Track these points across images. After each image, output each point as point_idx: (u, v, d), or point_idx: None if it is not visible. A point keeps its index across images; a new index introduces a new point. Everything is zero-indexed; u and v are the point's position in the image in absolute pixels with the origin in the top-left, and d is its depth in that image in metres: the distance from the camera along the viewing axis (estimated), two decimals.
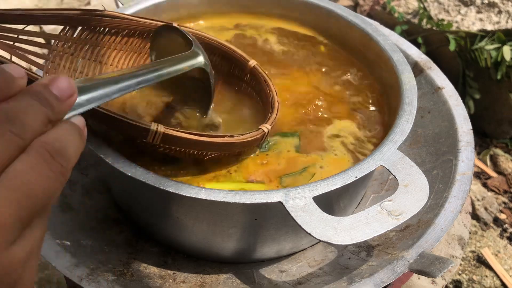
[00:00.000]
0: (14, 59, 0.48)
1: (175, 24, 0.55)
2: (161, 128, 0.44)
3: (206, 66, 0.51)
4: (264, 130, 0.51)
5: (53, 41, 0.52)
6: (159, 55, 0.56)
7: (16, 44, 0.49)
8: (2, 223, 0.21)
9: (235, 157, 0.52)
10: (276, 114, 0.53)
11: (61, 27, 0.52)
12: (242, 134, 0.49)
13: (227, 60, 0.59)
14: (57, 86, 0.26)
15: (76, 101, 0.28)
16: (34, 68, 0.54)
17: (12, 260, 0.22)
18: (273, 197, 0.42)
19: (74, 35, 0.52)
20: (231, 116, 0.57)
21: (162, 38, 0.55)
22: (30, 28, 0.49)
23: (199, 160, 0.50)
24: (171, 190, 0.42)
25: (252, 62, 0.57)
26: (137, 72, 0.41)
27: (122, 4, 0.64)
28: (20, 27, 0.49)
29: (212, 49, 0.58)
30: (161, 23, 0.56)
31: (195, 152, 0.48)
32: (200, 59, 0.51)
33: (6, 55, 0.47)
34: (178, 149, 0.46)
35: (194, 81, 0.54)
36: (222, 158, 0.51)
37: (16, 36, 0.48)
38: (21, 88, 0.25)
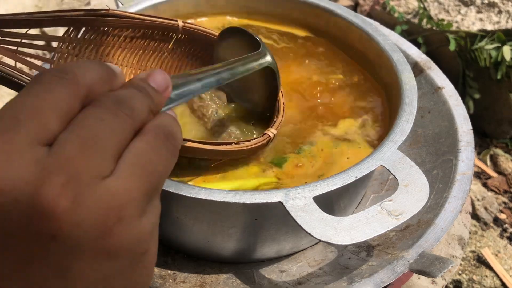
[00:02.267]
0: (19, 65, 0.47)
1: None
2: None
3: (274, 65, 0.52)
4: (269, 135, 0.51)
5: (56, 43, 0.52)
6: (224, 59, 0.56)
7: (19, 49, 0.48)
8: (134, 197, 0.23)
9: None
10: (282, 117, 0.53)
11: (62, 29, 0.52)
12: (248, 140, 0.49)
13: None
14: (154, 80, 0.28)
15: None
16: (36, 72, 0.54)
17: (142, 231, 0.24)
18: (273, 197, 0.42)
19: (78, 36, 0.52)
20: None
21: (225, 41, 0.56)
22: (32, 31, 0.48)
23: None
24: (171, 190, 0.42)
25: None
26: (215, 71, 0.42)
27: (122, 4, 0.64)
28: (22, 31, 0.48)
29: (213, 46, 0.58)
30: (165, 20, 0.56)
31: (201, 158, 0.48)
32: (269, 58, 0.51)
33: (10, 61, 0.46)
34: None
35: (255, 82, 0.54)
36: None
37: (19, 40, 0.48)
38: (122, 83, 0.27)
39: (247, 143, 0.49)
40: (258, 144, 0.50)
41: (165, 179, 0.25)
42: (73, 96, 0.23)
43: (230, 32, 0.55)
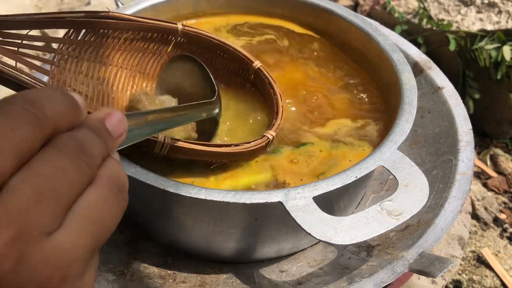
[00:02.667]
0: (19, 65, 0.47)
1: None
2: (169, 140, 0.45)
3: (219, 117, 0.54)
4: (268, 137, 0.51)
5: (57, 44, 0.52)
6: (167, 79, 0.58)
7: (20, 49, 0.48)
8: (80, 255, 0.22)
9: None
10: (281, 120, 0.53)
11: (62, 30, 0.52)
12: (247, 143, 0.49)
13: (232, 60, 0.59)
14: (111, 123, 0.26)
15: None
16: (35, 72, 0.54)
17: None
18: (273, 197, 0.42)
19: (79, 38, 0.52)
20: (236, 117, 0.56)
21: (177, 64, 0.57)
22: (33, 32, 0.48)
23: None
24: (171, 190, 0.42)
25: (257, 64, 0.57)
26: (167, 117, 0.42)
27: (122, 4, 0.64)
28: (23, 32, 0.48)
29: (216, 49, 0.58)
30: (164, 23, 0.56)
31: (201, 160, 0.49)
32: (217, 110, 0.53)
33: (11, 62, 0.46)
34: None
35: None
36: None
37: (20, 41, 0.48)
38: (83, 119, 0.25)
39: (246, 145, 0.49)
40: (257, 146, 0.50)
41: (109, 234, 0.24)
42: (38, 135, 0.22)
43: (184, 60, 0.57)
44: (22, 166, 0.21)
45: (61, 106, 0.23)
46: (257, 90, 0.58)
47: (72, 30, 0.52)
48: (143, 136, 0.36)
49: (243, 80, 0.59)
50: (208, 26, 0.69)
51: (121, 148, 0.30)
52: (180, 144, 0.46)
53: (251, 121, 0.56)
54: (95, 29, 0.53)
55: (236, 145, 0.49)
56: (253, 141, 0.50)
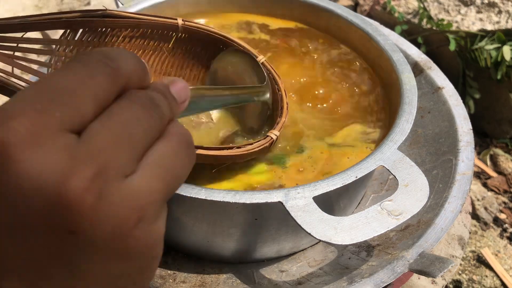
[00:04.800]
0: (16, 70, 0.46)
1: (256, 56, 0.56)
2: None
3: (270, 100, 0.53)
4: (272, 138, 0.49)
5: (54, 46, 0.51)
6: (217, 73, 0.58)
7: (16, 53, 0.47)
8: (155, 198, 0.22)
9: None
10: (285, 118, 0.52)
11: (60, 31, 0.51)
12: (249, 144, 0.48)
13: None
14: (176, 89, 0.27)
15: None
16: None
17: (157, 234, 0.23)
18: (273, 197, 0.42)
19: (76, 38, 0.51)
20: (240, 112, 0.56)
21: (226, 57, 0.57)
22: (29, 34, 0.48)
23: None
24: None
25: (261, 58, 0.56)
26: (224, 95, 0.43)
27: (122, 4, 0.64)
28: (19, 35, 0.47)
29: (219, 43, 0.58)
30: (164, 19, 0.56)
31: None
32: (268, 95, 0.53)
33: (7, 67, 0.45)
34: None
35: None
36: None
37: (15, 45, 0.47)
38: (150, 83, 0.26)
39: (249, 147, 0.48)
40: (261, 147, 0.48)
41: (180, 185, 0.25)
42: (113, 86, 0.23)
43: (234, 53, 0.56)
44: (100, 114, 0.22)
45: (133, 64, 0.24)
46: None
47: (68, 30, 0.51)
48: (199, 110, 0.36)
49: None
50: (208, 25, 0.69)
51: (184, 116, 0.31)
52: None
53: (255, 118, 0.55)
54: (92, 28, 0.52)
55: (238, 147, 0.47)
56: (256, 142, 0.49)
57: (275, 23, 0.70)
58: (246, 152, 0.47)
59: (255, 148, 0.48)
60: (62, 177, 0.19)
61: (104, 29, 0.53)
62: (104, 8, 0.52)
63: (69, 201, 0.19)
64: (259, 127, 0.54)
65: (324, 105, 0.59)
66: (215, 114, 0.56)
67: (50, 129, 0.20)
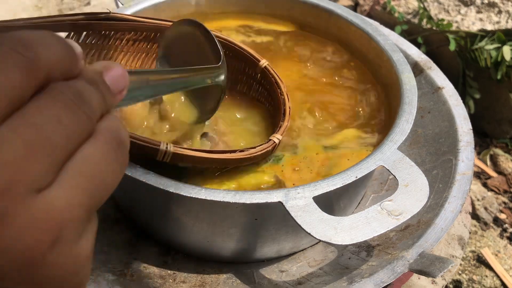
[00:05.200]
0: None
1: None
2: (171, 148, 0.43)
3: (225, 84, 0.49)
4: (275, 142, 0.49)
5: None
6: (170, 47, 0.53)
7: None
8: (75, 215, 0.19)
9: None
10: (288, 122, 0.51)
11: (63, 34, 0.51)
12: (252, 148, 0.48)
13: (238, 58, 0.58)
14: (112, 77, 0.23)
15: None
16: None
17: (80, 255, 0.20)
18: (273, 197, 0.42)
19: (80, 41, 0.51)
20: (243, 117, 0.56)
21: (180, 31, 0.52)
22: None
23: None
24: (171, 190, 0.42)
25: (263, 62, 0.56)
26: (171, 79, 0.39)
27: (122, 4, 0.64)
28: None
29: (223, 47, 0.57)
30: (168, 23, 0.55)
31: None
32: (223, 77, 0.49)
33: None
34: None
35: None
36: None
37: None
38: (80, 69, 0.22)
39: (252, 151, 0.48)
40: (263, 151, 0.48)
41: (109, 195, 0.21)
42: (29, 81, 0.19)
43: (189, 24, 0.52)
44: (11, 115, 0.18)
45: (56, 51, 0.20)
46: (265, 90, 0.57)
47: (72, 33, 0.51)
48: (143, 98, 0.33)
49: (249, 79, 0.58)
50: (208, 26, 0.69)
51: (122, 106, 0.27)
52: (184, 152, 0.44)
53: (258, 123, 0.55)
54: (96, 31, 0.51)
55: (241, 150, 0.47)
56: (259, 146, 0.48)
57: (275, 24, 0.70)
58: (249, 156, 0.47)
59: (257, 152, 0.48)
60: None
61: (107, 32, 0.53)
62: (109, 11, 0.52)
63: None
64: (213, 109, 0.51)
65: (321, 110, 0.59)
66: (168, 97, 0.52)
67: None
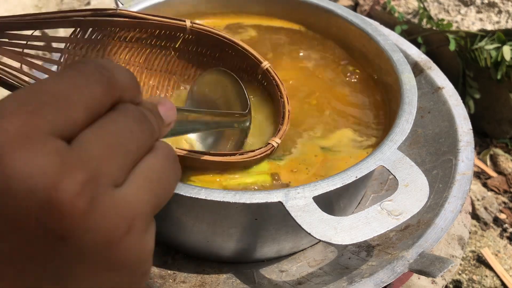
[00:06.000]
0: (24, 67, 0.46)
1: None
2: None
3: (248, 130, 0.54)
4: (273, 145, 0.50)
5: (63, 44, 0.51)
6: (199, 92, 0.58)
7: (25, 51, 0.47)
8: (144, 210, 0.22)
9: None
10: (287, 126, 0.52)
11: (63, 29, 0.51)
12: (252, 151, 0.49)
13: (240, 58, 0.58)
14: (164, 110, 0.27)
15: None
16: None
17: (146, 248, 0.23)
18: (273, 197, 0.42)
19: (85, 37, 0.51)
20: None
21: (210, 76, 0.57)
22: (37, 32, 0.48)
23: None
24: None
25: (265, 64, 0.56)
26: (204, 118, 0.43)
27: (122, 4, 0.64)
28: (28, 32, 0.47)
29: (225, 46, 0.58)
30: (173, 20, 0.56)
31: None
32: (248, 123, 0.53)
33: (16, 64, 0.45)
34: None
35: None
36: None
37: (25, 42, 0.47)
38: (141, 99, 0.26)
39: (251, 154, 0.49)
40: (262, 155, 0.50)
41: (167, 200, 0.25)
42: (107, 97, 0.22)
43: (220, 73, 0.57)
44: (91, 123, 0.22)
45: (127, 78, 0.24)
46: (265, 90, 0.58)
47: (79, 29, 0.51)
48: (182, 133, 0.36)
49: (251, 78, 0.59)
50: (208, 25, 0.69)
51: (164, 138, 0.31)
52: (184, 153, 0.45)
53: (260, 121, 0.56)
54: (102, 27, 0.52)
55: (241, 153, 0.49)
56: (258, 149, 0.50)
57: (274, 25, 0.70)
58: (248, 159, 0.49)
59: (256, 155, 0.49)
60: (53, 180, 0.19)
61: (113, 28, 0.53)
62: (115, 8, 0.52)
63: (61, 205, 0.19)
64: (234, 147, 0.54)
65: (320, 109, 0.59)
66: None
67: (41, 132, 0.19)
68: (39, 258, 0.20)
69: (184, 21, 0.56)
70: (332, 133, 0.56)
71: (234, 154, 0.48)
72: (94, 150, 0.21)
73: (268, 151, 0.50)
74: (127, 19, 0.53)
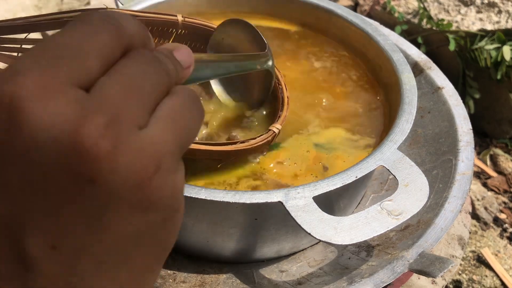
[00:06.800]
0: None
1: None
2: None
3: (273, 69, 0.53)
4: (274, 131, 0.50)
5: None
6: (220, 48, 0.57)
7: (20, 54, 0.47)
8: (171, 148, 0.22)
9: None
10: (287, 112, 0.52)
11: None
12: (253, 139, 0.49)
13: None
14: (181, 54, 0.27)
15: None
16: None
17: (177, 186, 0.23)
18: (273, 197, 0.42)
19: None
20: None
21: (225, 32, 0.56)
22: (38, 35, 0.48)
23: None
24: None
25: None
26: (225, 62, 0.42)
27: (122, 4, 0.64)
28: (21, 36, 0.47)
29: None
30: (170, 16, 0.56)
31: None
32: (270, 62, 0.52)
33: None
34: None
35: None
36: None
37: (19, 46, 0.47)
38: (153, 47, 0.26)
39: (252, 141, 0.48)
40: (263, 142, 0.49)
41: (193, 140, 0.25)
42: (118, 43, 0.23)
43: (232, 23, 0.55)
44: (106, 70, 0.22)
45: (136, 26, 0.24)
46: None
47: None
48: (203, 78, 0.36)
49: None
50: None
51: (189, 83, 0.31)
52: None
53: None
54: None
55: (242, 142, 0.48)
56: (259, 136, 0.49)
57: (274, 25, 0.70)
58: (250, 146, 0.48)
59: (258, 142, 0.49)
60: (75, 125, 0.19)
61: None
62: (105, 7, 0.52)
63: (85, 147, 0.19)
64: (264, 97, 0.54)
65: (320, 109, 0.59)
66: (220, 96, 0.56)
67: (59, 83, 0.20)
68: (71, 203, 0.20)
69: (176, 15, 0.56)
70: (327, 130, 0.56)
71: (235, 143, 0.48)
72: (111, 94, 0.21)
73: (269, 138, 0.49)
74: None
